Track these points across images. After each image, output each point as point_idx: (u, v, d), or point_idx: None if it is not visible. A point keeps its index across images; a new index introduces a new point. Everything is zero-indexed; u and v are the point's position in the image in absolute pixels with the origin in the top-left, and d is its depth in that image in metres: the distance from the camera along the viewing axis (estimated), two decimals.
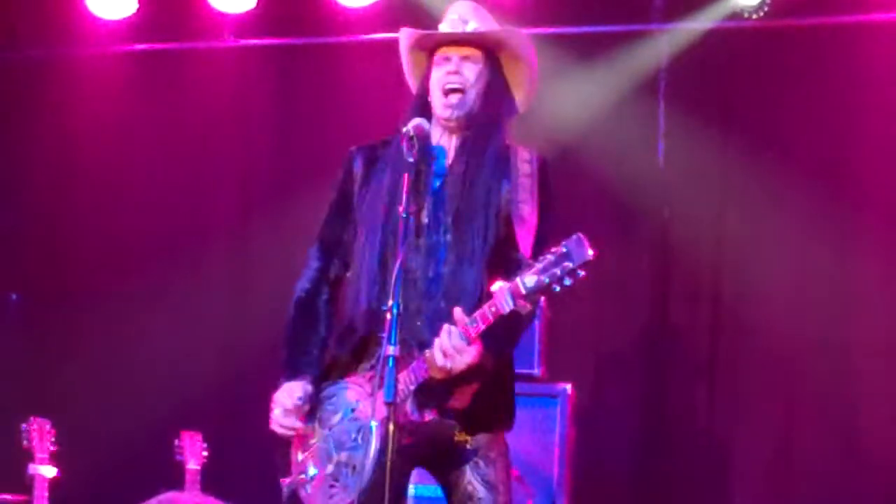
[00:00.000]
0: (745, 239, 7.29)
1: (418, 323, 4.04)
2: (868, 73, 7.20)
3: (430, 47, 4.34)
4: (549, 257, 3.72)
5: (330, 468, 4.11)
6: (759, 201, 7.26)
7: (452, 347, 3.83)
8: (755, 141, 7.36)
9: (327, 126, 8.01)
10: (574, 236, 3.73)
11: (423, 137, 4.08)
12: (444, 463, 4.12)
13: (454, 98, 4.19)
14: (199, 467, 6.27)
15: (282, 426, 4.22)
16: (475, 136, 4.20)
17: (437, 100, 4.24)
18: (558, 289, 3.71)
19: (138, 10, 8.02)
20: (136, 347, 7.90)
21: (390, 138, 4.32)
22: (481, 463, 4.09)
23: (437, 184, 4.17)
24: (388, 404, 3.72)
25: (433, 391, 3.97)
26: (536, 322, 6.28)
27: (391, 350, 3.75)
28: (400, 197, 3.98)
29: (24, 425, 6.11)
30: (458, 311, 3.86)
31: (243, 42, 8.16)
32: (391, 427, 3.71)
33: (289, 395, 4.19)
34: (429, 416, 3.97)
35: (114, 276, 8.08)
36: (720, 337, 7.33)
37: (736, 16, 7.34)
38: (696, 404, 7.33)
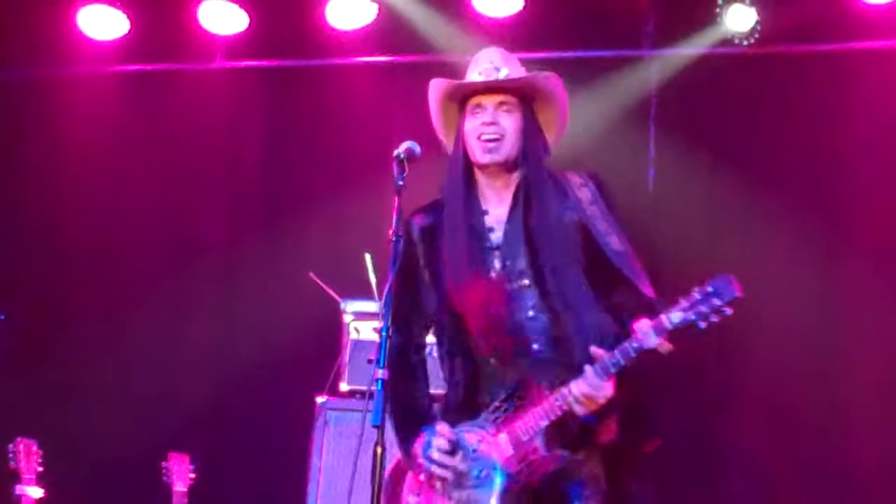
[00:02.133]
0: (735, 264, 7.28)
1: (526, 366, 4.09)
2: (857, 99, 7.22)
3: (461, 97, 4.33)
4: (696, 295, 3.80)
5: None
6: (748, 226, 7.27)
7: (591, 387, 3.88)
8: (745, 166, 7.38)
9: (318, 148, 8.02)
10: (721, 276, 3.83)
11: (413, 160, 4.09)
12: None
13: (493, 145, 4.21)
14: (186, 489, 6.25)
15: (440, 464, 4.11)
16: (528, 186, 4.23)
17: (475, 148, 4.25)
18: (704, 326, 3.80)
19: (130, 30, 8.03)
20: (124, 368, 7.88)
21: (441, 200, 4.35)
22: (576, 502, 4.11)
23: (499, 235, 4.21)
24: (374, 427, 3.71)
25: (576, 432, 4.02)
26: None
27: (380, 373, 3.76)
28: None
29: (10, 446, 6.10)
30: (596, 350, 3.90)
31: (234, 64, 8.17)
32: (378, 450, 3.71)
33: (441, 435, 4.12)
34: (559, 451, 4.02)
35: (102, 297, 8.06)
36: (708, 362, 7.33)
37: (726, 42, 7.36)
38: (684, 429, 7.31)
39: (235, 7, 7.88)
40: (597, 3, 7.63)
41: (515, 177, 4.26)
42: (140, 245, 8.15)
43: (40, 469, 6.10)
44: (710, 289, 3.79)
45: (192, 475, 6.28)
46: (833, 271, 7.12)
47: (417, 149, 4.14)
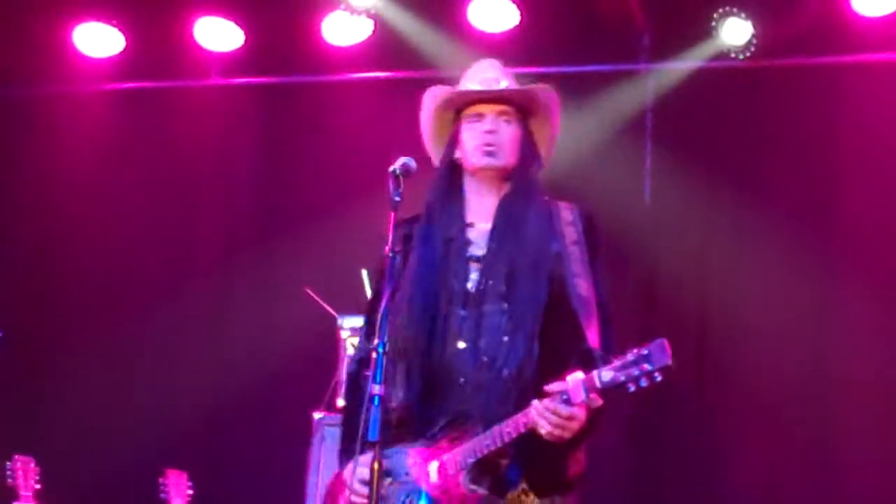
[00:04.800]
0: (731, 276, 7.30)
1: (472, 394, 4.02)
2: (852, 112, 7.24)
3: (460, 105, 4.29)
4: (629, 357, 3.74)
5: None
6: (744, 239, 7.28)
7: (567, 416, 3.81)
8: (740, 179, 7.39)
9: (314, 165, 8.02)
10: (657, 340, 3.75)
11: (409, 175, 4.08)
12: None
13: (493, 149, 4.17)
14: None
15: (359, 494, 4.01)
16: (515, 199, 4.19)
17: (472, 155, 4.20)
18: (633, 389, 3.74)
19: (125, 48, 8.03)
20: (121, 385, 7.88)
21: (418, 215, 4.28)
22: None
23: (481, 252, 4.16)
24: (370, 444, 3.70)
25: (543, 466, 3.99)
26: None
27: (376, 389, 3.75)
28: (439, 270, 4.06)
29: (8, 463, 6.09)
30: (555, 386, 3.81)
31: (230, 81, 8.18)
32: (375, 466, 3.70)
33: (364, 465, 3.97)
34: (482, 490, 3.96)
35: (99, 314, 8.05)
36: (705, 372, 7.34)
37: (723, 56, 7.38)
38: (681, 438, 7.31)
39: (231, 24, 7.89)
40: (593, 17, 7.63)
41: (505, 189, 4.23)
42: (136, 262, 8.15)
43: (38, 486, 6.09)
44: (644, 352, 3.73)
45: (190, 492, 6.27)
46: (827, 283, 7.13)
47: (413, 164, 4.12)
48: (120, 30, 7.98)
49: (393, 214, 4.00)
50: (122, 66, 8.15)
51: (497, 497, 3.99)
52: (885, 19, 7.14)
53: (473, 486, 3.96)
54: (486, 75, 4.29)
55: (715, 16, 7.28)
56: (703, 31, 7.36)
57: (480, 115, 4.23)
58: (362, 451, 3.81)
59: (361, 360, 4.27)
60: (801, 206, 7.29)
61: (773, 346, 7.11)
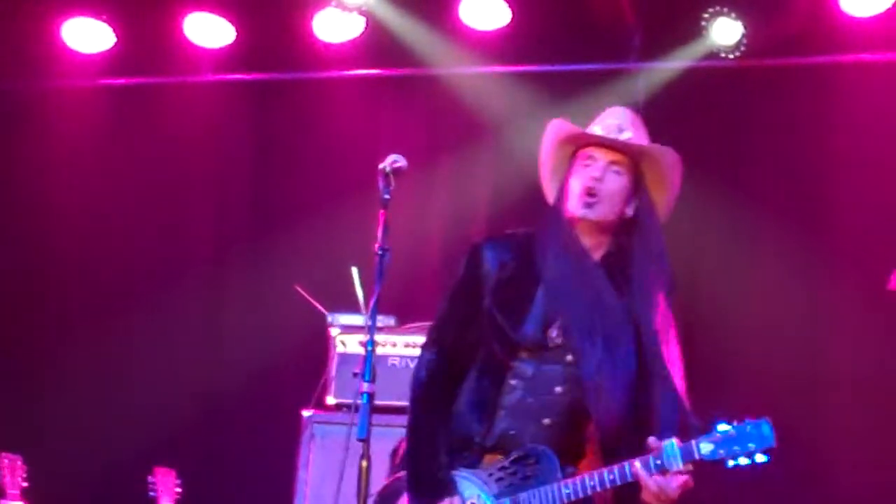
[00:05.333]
0: (721, 276, 7.30)
1: (551, 436, 3.92)
2: (842, 112, 7.24)
3: (576, 145, 4.17)
4: (731, 431, 3.67)
5: None
6: (734, 238, 7.28)
7: (671, 487, 3.72)
8: (731, 179, 7.40)
9: (305, 161, 8.02)
10: (762, 420, 3.71)
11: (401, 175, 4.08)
12: None
13: (593, 199, 4.02)
14: None
15: None
16: (626, 250, 4.09)
17: (573, 198, 4.06)
18: (731, 465, 3.66)
19: (115, 44, 8.01)
20: (110, 383, 7.86)
21: (521, 232, 4.19)
22: None
23: (572, 299, 4.01)
24: (360, 440, 3.70)
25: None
26: None
27: (366, 387, 3.75)
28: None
29: None
30: (653, 441, 3.73)
31: (221, 77, 8.16)
32: (363, 464, 3.69)
33: None
34: None
35: (88, 312, 8.04)
36: (695, 374, 7.32)
37: (713, 55, 7.38)
38: None
39: (222, 20, 7.88)
40: (584, 16, 7.63)
41: (606, 241, 4.09)
42: (126, 259, 8.13)
43: (25, 484, 6.07)
44: (748, 428, 3.67)
45: (178, 490, 6.27)
46: (817, 282, 7.14)
47: (403, 162, 4.13)
48: (109, 25, 7.95)
49: (383, 212, 4.01)
50: (111, 61, 8.13)
51: None
52: (874, 19, 7.15)
53: None
54: (610, 122, 4.18)
55: (705, 15, 7.28)
56: (694, 30, 7.36)
57: (593, 159, 4.09)
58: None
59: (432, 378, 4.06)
60: (791, 205, 7.31)
61: (764, 346, 7.12)
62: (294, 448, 6.39)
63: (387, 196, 4.03)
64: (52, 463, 7.09)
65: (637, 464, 3.70)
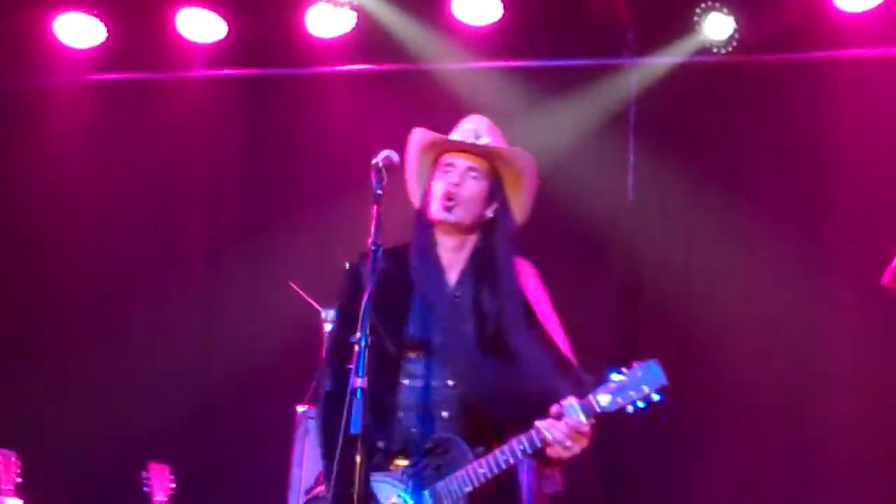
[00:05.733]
0: (714, 271, 7.31)
1: (453, 425, 4.12)
2: (835, 107, 7.25)
3: (439, 152, 4.37)
4: (625, 378, 3.86)
5: None
6: (727, 234, 7.28)
7: (575, 430, 3.92)
8: (723, 174, 7.40)
9: (297, 156, 8.01)
10: (650, 362, 3.89)
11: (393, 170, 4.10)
12: None
13: (451, 203, 4.24)
14: (166, 499, 6.24)
15: None
16: (485, 249, 4.27)
17: (434, 202, 4.28)
18: (631, 410, 3.86)
19: (107, 39, 8.00)
20: (104, 379, 7.85)
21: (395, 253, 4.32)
22: None
23: (442, 304, 4.23)
24: (355, 436, 3.71)
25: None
26: None
27: (359, 382, 3.76)
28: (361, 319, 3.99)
29: None
30: (556, 408, 3.92)
31: (213, 72, 8.15)
32: (358, 459, 3.70)
33: None
34: None
35: (82, 307, 8.04)
36: (688, 369, 7.34)
37: (706, 51, 7.39)
38: (662, 437, 7.32)
39: (213, 15, 7.87)
40: (576, 11, 7.63)
41: (470, 242, 4.31)
42: (119, 254, 8.12)
43: (19, 480, 6.07)
44: (638, 373, 3.86)
45: (173, 485, 6.27)
46: (811, 278, 7.14)
47: (396, 157, 4.14)
48: (101, 20, 7.94)
49: (375, 207, 4.02)
50: (103, 57, 8.12)
51: None
52: (867, 14, 7.16)
53: None
54: (467, 127, 4.38)
55: (697, 11, 7.29)
56: (686, 26, 7.36)
57: (452, 166, 4.31)
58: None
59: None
60: (785, 200, 7.31)
61: (758, 342, 7.12)
62: (288, 443, 6.39)
63: (379, 191, 4.04)
64: (47, 459, 7.10)
65: (541, 424, 3.92)
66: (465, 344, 4.16)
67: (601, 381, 3.91)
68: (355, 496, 3.70)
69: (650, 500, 7.32)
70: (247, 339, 7.66)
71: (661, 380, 3.86)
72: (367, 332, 3.83)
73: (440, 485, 4.04)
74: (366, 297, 3.90)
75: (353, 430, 3.73)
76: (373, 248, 3.96)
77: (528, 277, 4.30)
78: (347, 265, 4.41)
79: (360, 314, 3.86)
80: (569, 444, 3.91)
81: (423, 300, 4.22)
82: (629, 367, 3.88)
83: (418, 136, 4.40)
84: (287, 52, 7.98)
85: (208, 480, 7.46)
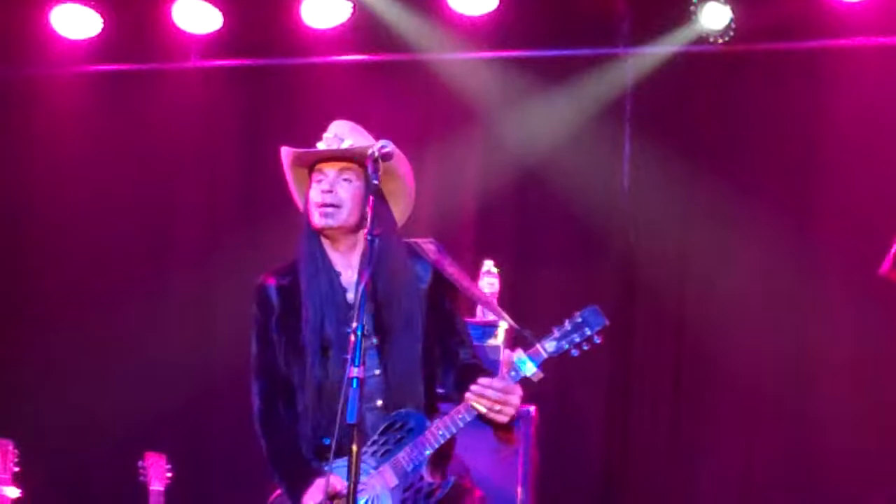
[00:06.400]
0: (710, 261, 7.31)
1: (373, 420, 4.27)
2: (831, 97, 7.25)
3: (308, 163, 4.49)
4: (567, 326, 4.03)
5: None
6: (723, 224, 7.29)
7: (501, 388, 4.06)
8: (719, 164, 7.41)
9: (294, 147, 8.00)
10: (589, 307, 4.08)
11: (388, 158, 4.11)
12: None
13: (329, 210, 4.35)
14: (162, 489, 6.23)
15: None
16: (372, 246, 4.16)
17: (313, 212, 4.40)
18: (577, 353, 4.04)
19: (103, 30, 7.99)
20: (101, 368, 7.85)
21: (293, 266, 4.52)
22: None
23: (352, 296, 4.33)
24: (350, 426, 3.72)
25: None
26: (501, 343, 6.29)
27: (355, 371, 3.76)
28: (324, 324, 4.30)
29: None
30: (506, 361, 4.09)
31: (209, 63, 8.15)
32: (354, 449, 3.71)
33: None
34: (447, 477, 4.22)
35: (78, 297, 8.03)
36: (684, 358, 7.36)
37: (701, 40, 7.38)
38: (660, 426, 7.34)
39: (209, 6, 7.86)
40: (572, 1, 7.63)
41: (359, 242, 4.38)
42: (115, 246, 8.12)
43: (16, 469, 6.07)
44: (579, 319, 4.03)
45: (169, 475, 6.26)
46: (806, 268, 7.15)
47: (391, 147, 4.15)
48: (97, 11, 7.94)
49: (371, 198, 4.02)
50: (99, 48, 8.11)
51: (461, 484, 4.23)
52: (863, 4, 7.16)
53: (437, 476, 4.16)
54: (329, 135, 4.48)
55: (693, 0, 7.28)
56: (682, 15, 7.36)
57: (323, 174, 4.42)
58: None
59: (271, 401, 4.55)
60: (781, 190, 7.32)
61: (753, 331, 7.14)
62: None
63: (375, 181, 4.05)
64: (44, 448, 7.10)
65: (469, 395, 4.09)
66: (380, 334, 4.32)
67: (547, 332, 4.09)
68: (351, 486, 3.71)
69: (647, 490, 7.33)
70: (244, 328, 7.62)
71: (602, 321, 4.06)
72: (363, 321, 3.83)
73: (400, 454, 4.18)
74: (362, 287, 3.89)
75: (349, 420, 3.73)
76: (369, 238, 3.96)
77: (440, 256, 4.40)
78: (258, 284, 4.63)
79: (357, 302, 3.87)
80: (498, 408, 4.06)
81: (322, 306, 4.37)
82: (570, 315, 4.07)
83: (285, 155, 4.56)
84: (283, 42, 7.98)
85: (205, 470, 7.48)
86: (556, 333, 4.04)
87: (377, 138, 4.23)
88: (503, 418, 4.08)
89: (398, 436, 4.20)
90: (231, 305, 7.81)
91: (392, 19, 7.73)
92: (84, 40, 8.06)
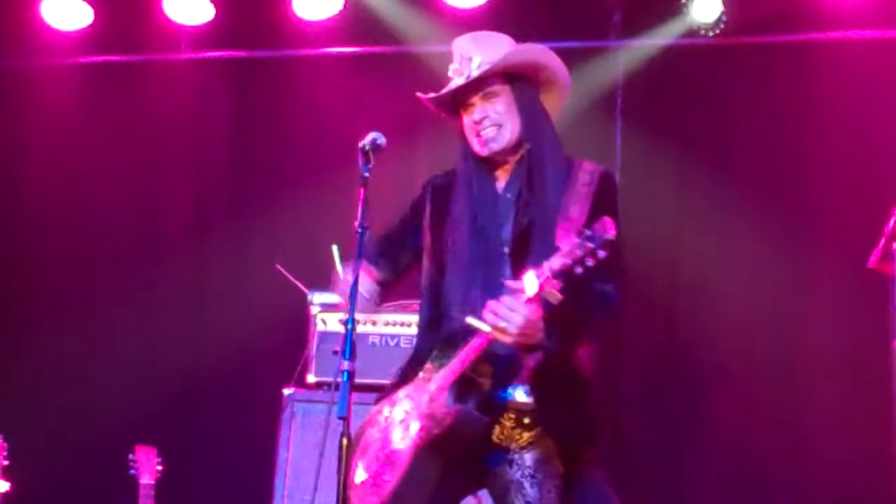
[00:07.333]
0: (702, 253, 7.32)
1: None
2: (822, 89, 7.25)
3: (448, 100, 4.31)
4: (575, 240, 3.76)
5: (374, 467, 4.08)
6: (715, 216, 7.30)
7: (505, 306, 3.84)
8: (711, 157, 7.41)
9: (285, 140, 8.01)
10: (601, 219, 3.77)
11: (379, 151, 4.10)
12: (482, 469, 4.10)
13: (489, 136, 4.20)
14: (152, 482, 6.23)
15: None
16: (531, 156, 4.21)
17: (474, 144, 4.24)
18: (581, 270, 3.75)
19: (94, 21, 7.98)
20: (91, 361, 7.85)
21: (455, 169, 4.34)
22: (526, 484, 4.08)
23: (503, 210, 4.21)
24: (340, 419, 3.71)
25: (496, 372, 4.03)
26: None
27: (346, 365, 3.76)
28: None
29: None
30: (508, 284, 3.90)
31: (200, 55, 8.14)
32: (344, 441, 3.71)
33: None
34: (461, 406, 3.97)
35: (68, 290, 8.02)
36: (676, 351, 7.36)
37: (693, 33, 7.39)
38: (651, 417, 7.34)
39: None
40: None
41: (522, 151, 4.25)
42: (105, 237, 8.11)
43: (6, 463, 6.07)
44: (588, 233, 3.76)
45: (159, 467, 6.27)
46: (797, 259, 7.16)
47: (382, 140, 4.14)
48: (88, 3, 7.93)
49: (362, 190, 4.02)
50: (91, 39, 8.10)
51: (482, 415, 4.00)
52: None
53: (454, 403, 3.96)
54: (458, 59, 4.27)
55: None
56: (673, 8, 7.37)
57: (470, 104, 4.25)
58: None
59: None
60: (772, 182, 7.32)
61: (744, 322, 7.15)
62: (275, 426, 6.40)
63: (366, 174, 4.05)
64: (34, 442, 7.10)
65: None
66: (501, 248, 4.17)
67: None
68: (340, 478, 3.71)
69: (638, 489, 7.34)
70: (233, 321, 7.65)
71: (607, 234, 3.76)
72: (354, 316, 3.83)
73: (433, 383, 4.01)
74: (353, 280, 3.89)
75: (339, 414, 3.73)
76: (359, 230, 3.96)
77: (584, 184, 4.21)
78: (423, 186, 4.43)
79: (349, 294, 3.87)
80: (502, 324, 3.83)
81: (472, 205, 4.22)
82: (580, 232, 3.81)
83: (431, 102, 4.35)
84: (274, 34, 7.97)
85: (195, 463, 7.47)
86: (563, 250, 3.79)
87: (368, 130, 4.21)
88: (507, 338, 3.86)
89: (458, 345, 4.03)
90: (222, 298, 7.84)
91: (384, 11, 7.73)
92: (75, 31, 8.05)
